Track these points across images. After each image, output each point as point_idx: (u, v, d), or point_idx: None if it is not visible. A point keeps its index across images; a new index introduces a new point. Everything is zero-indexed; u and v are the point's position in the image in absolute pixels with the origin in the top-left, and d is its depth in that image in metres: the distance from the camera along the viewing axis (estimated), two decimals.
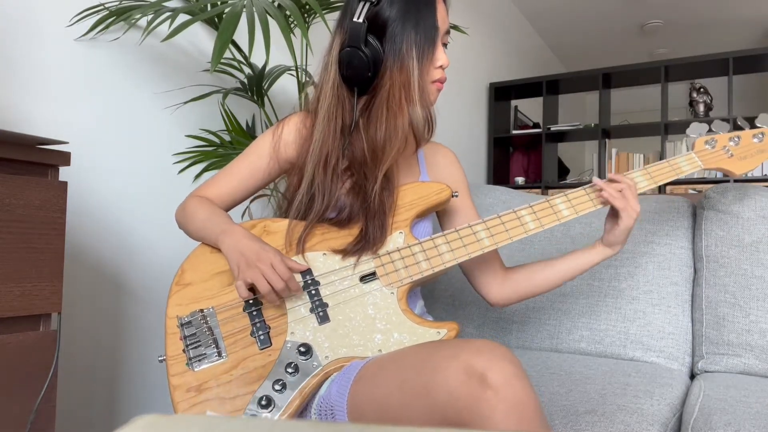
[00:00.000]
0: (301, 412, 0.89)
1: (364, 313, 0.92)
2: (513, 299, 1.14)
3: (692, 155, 1.13)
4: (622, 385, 1.11)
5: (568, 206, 1.05)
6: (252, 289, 0.92)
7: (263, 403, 0.85)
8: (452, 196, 1.03)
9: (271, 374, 0.88)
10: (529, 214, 1.03)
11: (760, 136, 1.15)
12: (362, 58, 0.96)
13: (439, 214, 1.16)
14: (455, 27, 1.82)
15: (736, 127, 1.21)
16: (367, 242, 0.96)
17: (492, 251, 1.12)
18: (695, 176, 3.82)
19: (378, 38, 0.97)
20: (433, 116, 1.02)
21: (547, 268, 1.11)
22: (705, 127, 1.17)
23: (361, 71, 0.97)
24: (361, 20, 0.96)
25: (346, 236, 0.98)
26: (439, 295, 1.60)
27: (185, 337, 0.91)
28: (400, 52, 0.97)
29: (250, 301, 0.94)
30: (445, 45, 1.04)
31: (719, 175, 3.71)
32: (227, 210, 1.09)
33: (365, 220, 0.97)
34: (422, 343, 0.86)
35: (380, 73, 0.98)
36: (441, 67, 1.02)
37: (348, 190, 0.99)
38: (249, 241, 0.93)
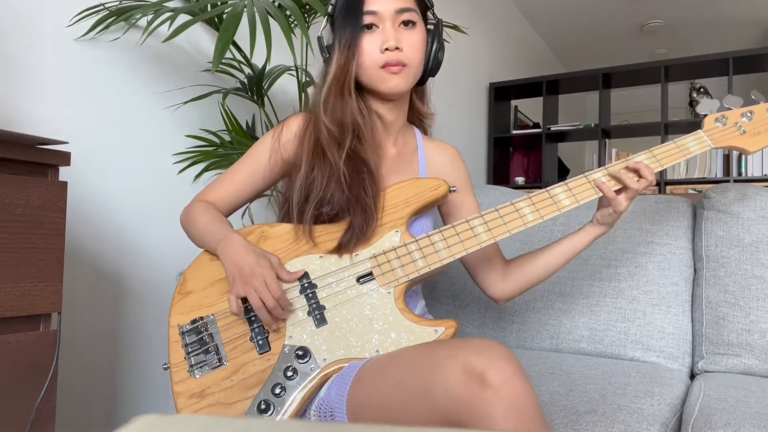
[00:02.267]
0: (301, 414, 0.89)
1: (361, 314, 0.92)
2: (514, 292, 1.14)
3: (701, 134, 1.07)
4: (622, 385, 1.11)
5: (568, 195, 1.01)
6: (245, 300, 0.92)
7: (262, 407, 0.86)
8: (450, 192, 1.02)
9: (270, 378, 0.88)
10: (527, 206, 0.99)
11: None
12: (328, 65, 1.03)
13: (442, 213, 1.16)
14: (455, 27, 1.82)
15: (750, 103, 1.16)
16: (355, 231, 0.95)
17: (492, 246, 1.11)
18: (696, 175, 3.82)
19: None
20: (371, 109, 1.05)
21: (542, 256, 1.11)
22: (716, 103, 1.11)
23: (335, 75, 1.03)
24: (320, 34, 1.06)
25: (337, 232, 0.98)
26: (440, 295, 1.60)
27: (186, 345, 0.93)
28: (334, 43, 1.02)
29: (249, 307, 0.94)
30: (408, 25, 1.00)
31: (719, 175, 3.71)
32: (231, 212, 1.10)
33: (348, 206, 0.97)
34: (421, 344, 0.86)
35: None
36: (388, 49, 0.98)
37: (336, 178, 1.01)
38: (246, 253, 0.93)
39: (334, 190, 0.98)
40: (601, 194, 1.02)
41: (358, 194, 0.97)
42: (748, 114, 1.09)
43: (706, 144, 1.06)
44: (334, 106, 1.02)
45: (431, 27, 1.06)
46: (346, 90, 1.01)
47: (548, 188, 1.02)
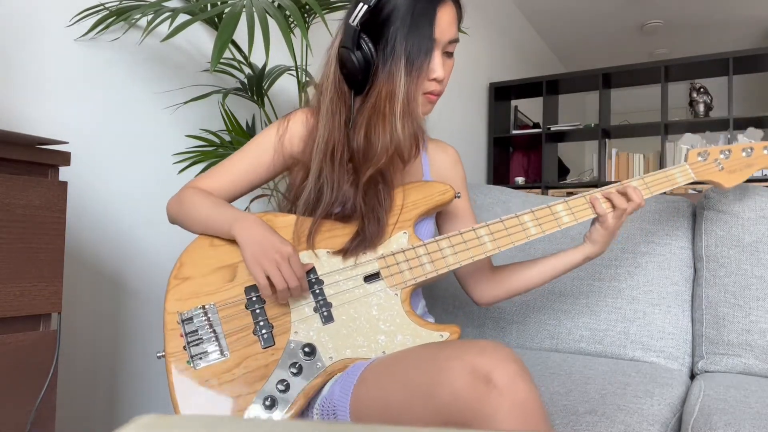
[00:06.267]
0: (303, 411, 0.89)
1: (368, 313, 0.92)
2: (496, 299, 1.17)
3: (686, 167, 1.16)
4: (622, 385, 1.11)
5: (568, 213, 1.06)
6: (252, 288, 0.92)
7: (267, 403, 0.85)
8: (455, 197, 1.03)
9: (275, 374, 0.87)
10: (531, 220, 1.04)
11: (749, 150, 1.19)
12: (353, 61, 0.95)
13: (437, 214, 1.16)
14: None
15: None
16: (365, 238, 0.95)
17: None
18: None
19: (373, 42, 0.95)
20: (418, 131, 1.00)
21: (531, 268, 1.13)
22: (698, 138, 1.21)
23: (354, 73, 0.97)
24: (354, 23, 0.94)
25: (348, 234, 0.97)
26: (440, 295, 1.60)
27: (186, 334, 0.89)
28: (391, 61, 0.95)
29: (253, 299, 0.93)
30: (450, 54, 1.01)
31: None
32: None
33: (362, 214, 0.97)
34: (426, 344, 0.86)
35: (371, 78, 0.97)
36: (435, 79, 0.99)
37: (350, 182, 0.99)
38: (266, 231, 0.92)
39: (348, 197, 0.97)
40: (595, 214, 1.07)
41: (373, 205, 0.97)
42: (726, 152, 1.19)
43: (690, 176, 1.16)
44: (369, 127, 0.97)
45: None
46: (416, 113, 0.99)
47: (550, 204, 1.07)
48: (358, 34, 0.95)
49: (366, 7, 0.94)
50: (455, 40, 1.00)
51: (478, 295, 1.17)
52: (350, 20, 0.95)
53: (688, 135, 1.18)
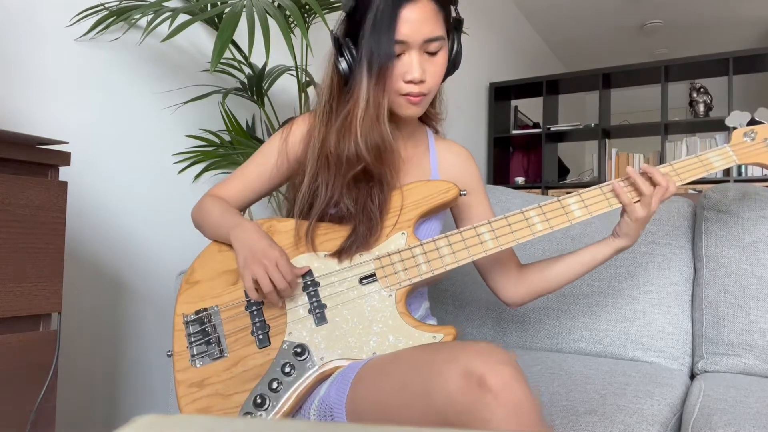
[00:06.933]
0: (300, 412, 0.89)
1: (361, 315, 0.92)
2: (528, 298, 1.12)
3: (726, 149, 1.04)
4: (622, 385, 1.11)
5: (580, 206, 0.99)
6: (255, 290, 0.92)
7: (258, 401, 0.87)
8: (460, 195, 1.01)
9: (268, 373, 0.89)
10: (537, 215, 0.98)
11: None
12: (339, 68, 0.98)
13: (454, 214, 1.15)
14: None
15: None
16: (357, 237, 0.95)
17: (506, 251, 1.10)
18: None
19: (356, 47, 0.97)
20: (378, 140, 0.97)
21: (559, 264, 1.08)
22: (747, 116, 1.07)
23: (342, 79, 0.99)
24: (335, 31, 0.98)
25: (344, 236, 0.98)
26: (440, 295, 1.60)
27: (189, 335, 0.94)
28: (357, 67, 0.96)
29: (252, 301, 0.95)
30: (432, 53, 0.96)
31: (719, 174, 3.71)
32: (241, 210, 1.11)
33: (353, 214, 0.97)
34: (422, 345, 0.86)
35: (351, 83, 0.98)
36: (412, 81, 0.95)
37: (344, 183, 0.99)
38: (259, 237, 0.95)
39: (340, 197, 0.98)
40: (613, 207, 1.01)
41: (364, 203, 0.97)
42: None
43: (732, 159, 1.04)
44: (366, 132, 0.96)
45: (452, 29, 1.01)
46: (380, 119, 0.97)
47: (560, 198, 1.00)
48: (338, 42, 0.98)
49: (344, 14, 0.97)
50: (434, 39, 0.94)
51: (505, 295, 1.13)
52: (333, 28, 0.98)
53: (736, 113, 1.02)
